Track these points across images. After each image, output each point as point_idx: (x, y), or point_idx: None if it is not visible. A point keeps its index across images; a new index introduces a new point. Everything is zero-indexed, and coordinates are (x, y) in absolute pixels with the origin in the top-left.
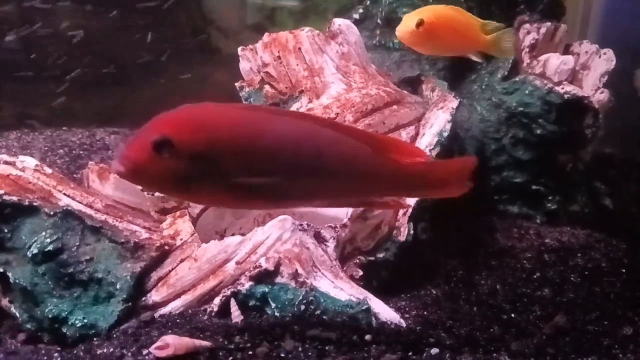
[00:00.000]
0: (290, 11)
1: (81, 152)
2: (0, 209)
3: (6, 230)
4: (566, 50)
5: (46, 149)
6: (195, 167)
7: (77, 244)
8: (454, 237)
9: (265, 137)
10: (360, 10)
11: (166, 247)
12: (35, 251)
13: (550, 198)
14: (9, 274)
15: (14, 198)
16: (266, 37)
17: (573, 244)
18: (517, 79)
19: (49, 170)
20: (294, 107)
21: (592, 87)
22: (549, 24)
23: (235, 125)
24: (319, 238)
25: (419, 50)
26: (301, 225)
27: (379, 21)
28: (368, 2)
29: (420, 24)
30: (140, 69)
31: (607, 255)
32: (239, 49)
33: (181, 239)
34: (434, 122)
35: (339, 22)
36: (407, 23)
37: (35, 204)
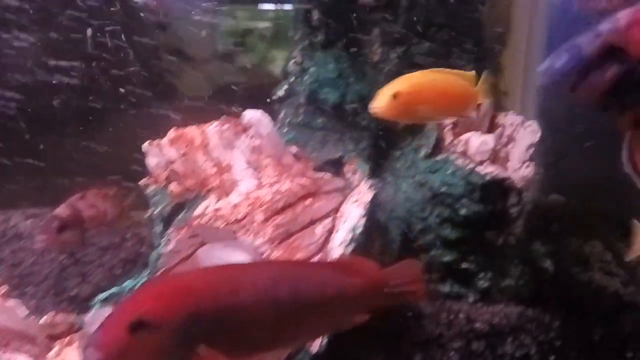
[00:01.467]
0: (261, 35)
1: None
2: None
3: None
4: (492, 122)
5: None
6: (181, 339)
7: None
8: (379, 328)
9: (243, 293)
10: (285, 87)
11: None
12: None
13: (481, 275)
14: None
15: None
16: (172, 132)
17: (504, 326)
18: (439, 158)
19: None
20: (201, 207)
21: (519, 160)
22: None
23: (211, 287)
24: None
25: (402, 121)
26: None
27: (302, 100)
28: (292, 79)
29: (396, 95)
30: (70, 121)
31: (536, 339)
32: (145, 144)
33: None
34: (348, 217)
35: (249, 115)
36: (381, 97)
37: None
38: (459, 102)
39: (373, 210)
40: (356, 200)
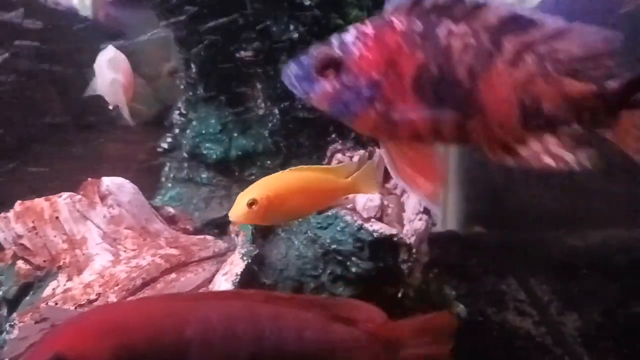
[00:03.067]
0: None
1: None
2: None
3: None
4: (386, 173)
5: None
6: None
7: None
8: None
9: (191, 333)
10: (169, 140)
11: None
12: None
13: None
14: None
15: None
16: (18, 205)
17: None
18: (330, 213)
19: None
20: (50, 286)
21: (414, 212)
22: (362, 151)
23: (153, 323)
24: None
25: (267, 224)
26: None
27: (185, 154)
28: (177, 131)
29: (252, 203)
30: None
31: None
32: None
33: None
34: None
35: (107, 182)
36: (238, 206)
37: None
38: (322, 197)
39: (251, 278)
40: (226, 273)
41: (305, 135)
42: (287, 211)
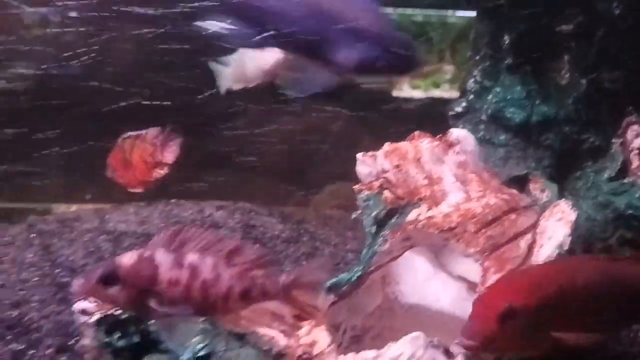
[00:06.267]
0: None
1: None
2: None
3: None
4: None
5: (162, 224)
6: (533, 326)
7: (224, 348)
8: None
9: (584, 285)
10: (464, 104)
11: (305, 356)
12: (189, 356)
13: None
14: None
15: None
16: (387, 146)
17: None
18: (625, 181)
19: None
20: (413, 213)
21: None
22: None
23: (559, 280)
24: (448, 353)
25: None
26: (432, 341)
27: (483, 117)
28: (471, 96)
29: None
30: None
31: None
32: (359, 155)
33: (319, 348)
34: (553, 235)
35: (456, 133)
36: None
37: None
38: None
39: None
40: (560, 219)
41: (605, 106)
42: None
